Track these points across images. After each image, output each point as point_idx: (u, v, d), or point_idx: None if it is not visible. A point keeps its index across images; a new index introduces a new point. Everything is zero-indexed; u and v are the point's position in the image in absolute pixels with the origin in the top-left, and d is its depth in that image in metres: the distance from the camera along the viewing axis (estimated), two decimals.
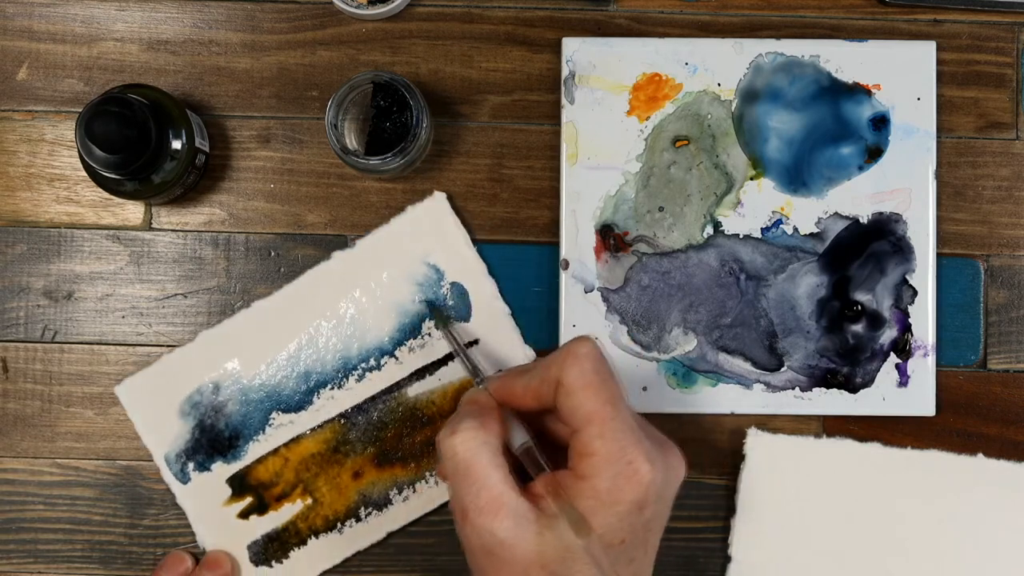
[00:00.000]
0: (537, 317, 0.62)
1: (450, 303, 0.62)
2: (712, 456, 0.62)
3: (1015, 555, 0.61)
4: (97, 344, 0.62)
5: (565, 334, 0.61)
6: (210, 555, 0.61)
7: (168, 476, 0.61)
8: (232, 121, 0.63)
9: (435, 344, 0.62)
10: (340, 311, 0.62)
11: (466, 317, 0.62)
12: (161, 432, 0.61)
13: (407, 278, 0.62)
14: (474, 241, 0.62)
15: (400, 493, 0.61)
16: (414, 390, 0.62)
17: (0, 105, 0.63)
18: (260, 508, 0.61)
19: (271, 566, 0.61)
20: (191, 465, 0.61)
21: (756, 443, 0.61)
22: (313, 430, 0.61)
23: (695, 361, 0.61)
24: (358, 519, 0.61)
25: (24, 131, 0.63)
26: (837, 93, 0.61)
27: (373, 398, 0.61)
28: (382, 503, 0.61)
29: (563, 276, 0.61)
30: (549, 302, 0.62)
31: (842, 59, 0.61)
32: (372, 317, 0.61)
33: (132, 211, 0.63)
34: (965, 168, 0.63)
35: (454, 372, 0.62)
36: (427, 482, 0.61)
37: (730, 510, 0.62)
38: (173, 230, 0.63)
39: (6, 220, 0.63)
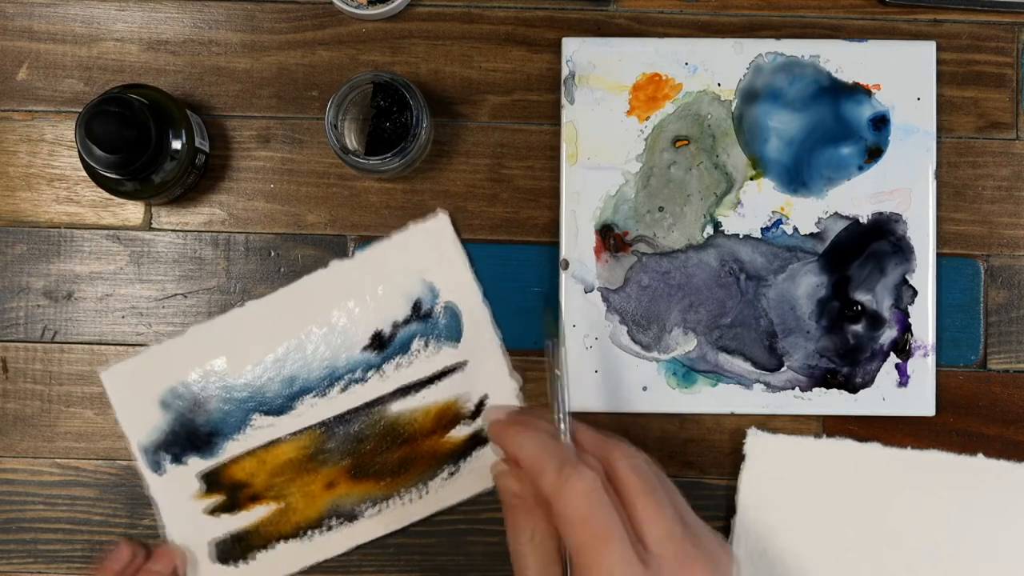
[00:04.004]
0: (537, 317, 0.62)
1: (441, 322, 0.61)
2: (712, 456, 0.62)
3: (1015, 555, 0.61)
4: (97, 344, 0.62)
5: (565, 334, 0.61)
6: (160, 548, 0.60)
7: (142, 465, 0.61)
8: (232, 121, 0.63)
9: (423, 363, 0.61)
10: (332, 320, 0.61)
11: (456, 339, 0.61)
12: (140, 420, 0.61)
13: (402, 293, 0.61)
14: (474, 241, 0.62)
15: (373, 506, 0.61)
16: (397, 407, 0.61)
17: (0, 105, 0.63)
18: (231, 507, 0.61)
19: (236, 566, 0.61)
20: (167, 457, 0.61)
21: (756, 443, 0.61)
22: (292, 435, 0.61)
23: (695, 361, 0.61)
24: (327, 529, 0.61)
25: (24, 131, 0.63)
26: (837, 93, 0.61)
27: (355, 410, 0.61)
28: (352, 515, 0.61)
29: (563, 276, 0.61)
30: (549, 302, 0.62)
31: (842, 59, 0.61)
32: (363, 329, 0.61)
33: (132, 211, 0.63)
34: (965, 168, 0.63)
35: (438, 393, 0.61)
36: (400, 499, 0.61)
37: (730, 510, 0.62)
38: (173, 230, 0.63)
39: (6, 220, 0.63)
